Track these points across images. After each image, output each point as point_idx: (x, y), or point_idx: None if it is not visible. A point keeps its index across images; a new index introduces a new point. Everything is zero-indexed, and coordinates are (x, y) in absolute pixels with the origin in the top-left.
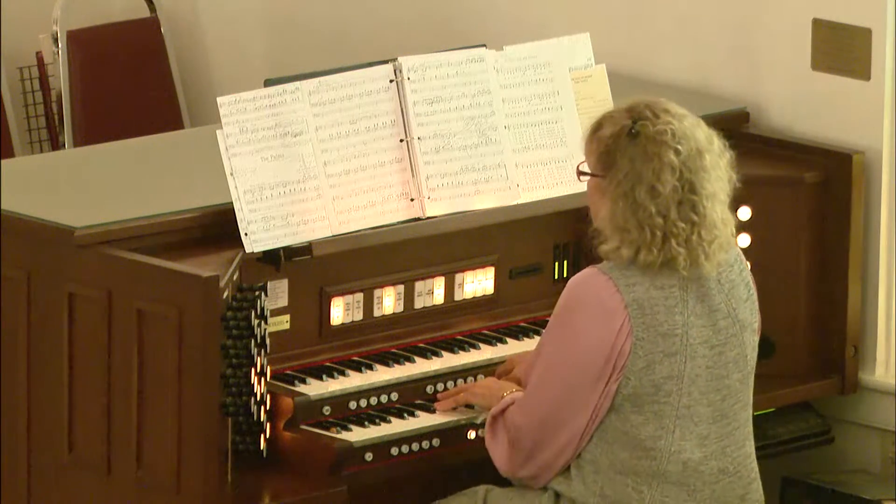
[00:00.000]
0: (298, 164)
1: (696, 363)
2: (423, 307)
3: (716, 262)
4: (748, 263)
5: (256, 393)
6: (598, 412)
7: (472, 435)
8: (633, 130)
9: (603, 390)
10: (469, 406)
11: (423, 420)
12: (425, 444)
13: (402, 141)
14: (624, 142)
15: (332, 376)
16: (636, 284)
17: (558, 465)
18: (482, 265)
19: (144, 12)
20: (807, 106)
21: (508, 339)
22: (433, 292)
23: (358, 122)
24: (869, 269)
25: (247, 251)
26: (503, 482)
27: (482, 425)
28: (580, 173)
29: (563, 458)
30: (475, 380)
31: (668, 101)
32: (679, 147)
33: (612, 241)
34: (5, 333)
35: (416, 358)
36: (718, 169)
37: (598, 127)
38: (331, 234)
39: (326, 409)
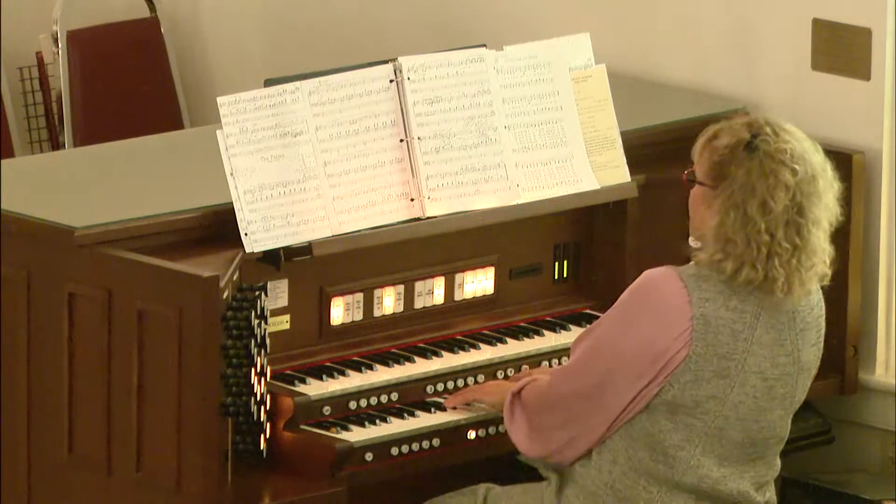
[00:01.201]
0: (298, 164)
1: (745, 391)
2: (423, 307)
3: (806, 291)
4: (824, 311)
5: (256, 393)
6: (632, 407)
7: (471, 435)
8: (751, 144)
9: (643, 389)
10: (477, 403)
11: (423, 420)
12: (425, 444)
13: (402, 141)
14: (741, 154)
15: (332, 376)
16: (709, 300)
17: (580, 447)
18: (482, 265)
19: (144, 12)
20: (807, 106)
21: (508, 339)
22: (433, 292)
23: (358, 122)
24: (869, 270)
25: (247, 251)
26: (503, 481)
27: (487, 422)
28: (690, 180)
29: (585, 443)
30: (475, 380)
31: (785, 121)
32: (796, 167)
33: (715, 253)
34: (5, 333)
35: (416, 358)
36: (827, 197)
37: (713, 136)
38: (331, 234)
39: (326, 409)
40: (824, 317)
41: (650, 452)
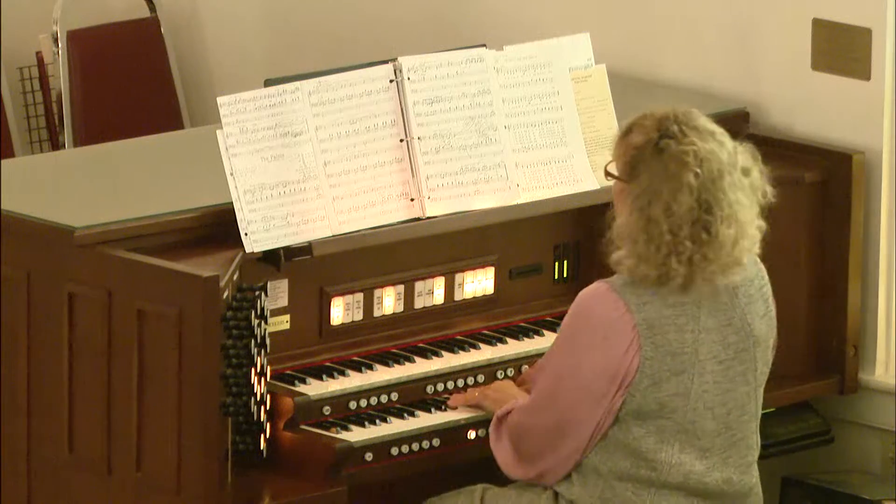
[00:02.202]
0: (298, 164)
1: (704, 379)
2: (423, 307)
3: (717, 284)
4: (768, 279)
5: (256, 393)
6: (601, 426)
7: (471, 435)
8: (658, 145)
9: (607, 406)
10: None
11: (423, 420)
12: (425, 444)
13: (402, 141)
14: (648, 155)
15: (332, 376)
16: (647, 304)
17: (562, 471)
18: (482, 265)
19: (144, 12)
20: (807, 106)
21: (508, 339)
22: (433, 292)
23: (358, 122)
24: (869, 269)
25: (247, 251)
26: (501, 482)
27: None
28: (607, 174)
29: (567, 465)
30: (475, 380)
31: (699, 114)
32: (699, 170)
33: (621, 251)
34: (5, 333)
35: (416, 358)
36: (741, 189)
37: (628, 131)
38: (331, 234)
39: (326, 409)
40: (768, 285)
41: (631, 461)
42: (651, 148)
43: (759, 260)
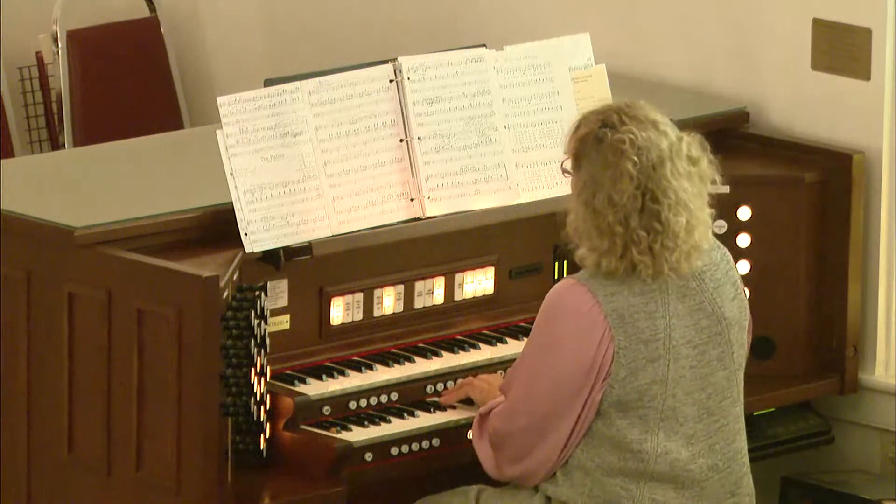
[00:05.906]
0: (298, 164)
1: (680, 364)
2: (423, 307)
3: (684, 271)
4: (733, 263)
5: (256, 393)
6: (582, 421)
7: (471, 435)
8: (598, 136)
9: (586, 400)
10: (469, 402)
11: (423, 420)
12: (425, 444)
13: (402, 141)
14: (590, 147)
15: (332, 376)
16: (615, 294)
17: (544, 470)
18: (482, 265)
19: (144, 12)
20: (807, 106)
21: (508, 339)
22: (433, 292)
23: (358, 122)
24: (869, 269)
25: (247, 251)
26: (497, 482)
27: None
28: (563, 171)
29: (549, 464)
30: None
31: (645, 104)
32: (636, 158)
33: (582, 248)
34: (5, 333)
35: (416, 358)
36: (686, 177)
37: (576, 126)
38: (331, 234)
39: (326, 409)
40: (734, 269)
41: (617, 454)
42: (592, 139)
43: (721, 244)
